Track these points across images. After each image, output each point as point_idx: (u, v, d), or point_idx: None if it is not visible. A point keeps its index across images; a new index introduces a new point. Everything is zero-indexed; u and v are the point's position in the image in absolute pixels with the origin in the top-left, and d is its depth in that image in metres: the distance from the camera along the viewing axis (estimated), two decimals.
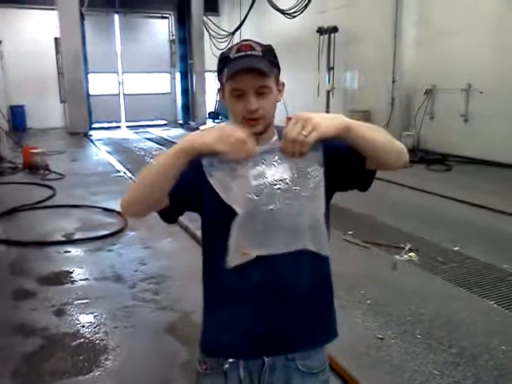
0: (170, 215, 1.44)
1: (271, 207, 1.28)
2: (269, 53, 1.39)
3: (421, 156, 10.27)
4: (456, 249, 5.02)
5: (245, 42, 1.39)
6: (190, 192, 1.40)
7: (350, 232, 5.42)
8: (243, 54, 1.35)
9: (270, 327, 1.45)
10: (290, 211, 1.28)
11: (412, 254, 4.79)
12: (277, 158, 1.28)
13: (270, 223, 1.29)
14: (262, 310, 1.44)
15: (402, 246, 4.99)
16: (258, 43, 1.39)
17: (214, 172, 1.28)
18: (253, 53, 1.35)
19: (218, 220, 1.37)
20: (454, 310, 3.72)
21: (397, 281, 4.28)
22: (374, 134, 1.32)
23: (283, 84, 1.45)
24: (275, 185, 1.27)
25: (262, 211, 1.28)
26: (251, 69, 1.32)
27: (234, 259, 1.32)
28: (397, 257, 4.75)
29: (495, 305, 3.81)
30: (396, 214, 6.22)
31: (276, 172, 1.28)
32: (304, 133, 1.19)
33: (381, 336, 3.35)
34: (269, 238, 1.31)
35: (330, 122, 1.24)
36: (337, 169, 1.39)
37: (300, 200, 1.28)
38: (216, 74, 1.45)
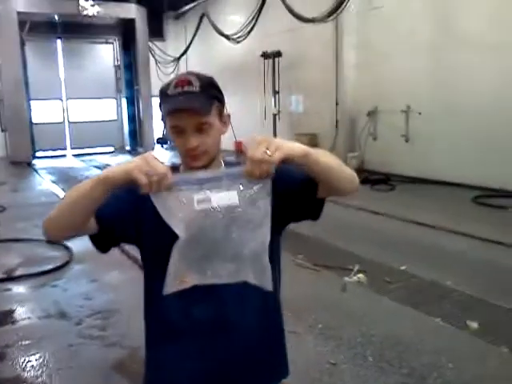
0: (102, 242, 1.40)
1: (213, 234, 1.24)
2: (208, 87, 1.37)
3: (365, 176, 10.54)
4: (402, 268, 5.14)
5: (182, 77, 1.37)
6: (125, 216, 1.37)
7: (300, 255, 5.45)
8: (180, 90, 1.33)
9: (214, 367, 1.42)
10: (233, 240, 1.25)
11: (361, 275, 4.86)
12: (225, 184, 1.25)
13: (212, 251, 1.25)
14: (206, 347, 1.40)
15: (351, 267, 5.06)
16: (197, 76, 1.36)
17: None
18: (190, 89, 1.33)
19: (158, 243, 1.32)
20: (403, 330, 3.79)
21: (347, 303, 4.33)
22: (328, 161, 1.33)
23: (228, 115, 1.45)
24: (220, 211, 1.24)
25: (204, 237, 1.24)
26: (187, 108, 1.30)
27: (171, 286, 1.26)
28: (346, 279, 4.81)
29: (441, 322, 3.91)
30: (344, 235, 6.33)
31: (222, 199, 1.24)
32: (269, 152, 1.18)
33: (333, 361, 3.36)
34: (209, 267, 1.26)
35: (290, 144, 1.23)
36: (288, 201, 1.39)
37: (244, 230, 1.25)
38: (158, 108, 1.44)
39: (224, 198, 1.24)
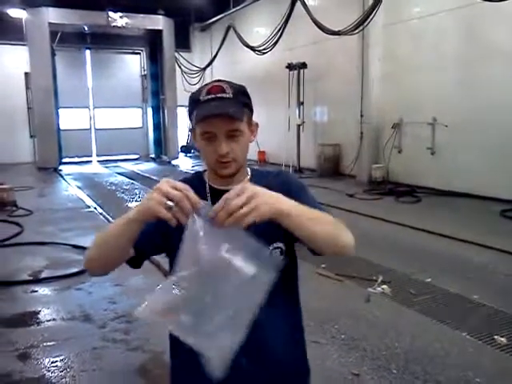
0: (135, 261, 1.42)
1: (221, 288, 1.12)
2: (240, 94, 1.36)
3: (390, 188, 10.46)
4: (427, 280, 5.06)
5: (215, 83, 1.36)
6: (156, 234, 1.38)
7: (323, 265, 5.42)
8: (213, 96, 1.32)
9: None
10: (229, 304, 1.12)
11: (385, 286, 4.80)
12: (245, 250, 1.12)
13: (208, 302, 1.12)
14: (237, 360, 1.38)
15: (375, 278, 5.00)
16: (229, 83, 1.36)
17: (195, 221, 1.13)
18: (223, 95, 1.32)
19: None
20: (428, 343, 3.72)
21: (370, 314, 4.27)
22: (315, 227, 1.24)
23: (256, 124, 1.45)
24: (236, 270, 1.11)
25: (211, 284, 1.13)
26: (221, 114, 1.30)
27: (144, 311, 1.13)
28: (370, 289, 4.75)
29: (468, 336, 3.83)
30: (368, 246, 6.26)
31: (240, 259, 1.12)
32: (243, 210, 1.09)
33: (356, 372, 3.31)
34: (195, 318, 1.13)
35: (272, 201, 1.15)
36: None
37: (241, 300, 1.12)
38: (187, 115, 1.44)
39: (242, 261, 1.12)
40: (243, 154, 1.39)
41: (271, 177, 1.49)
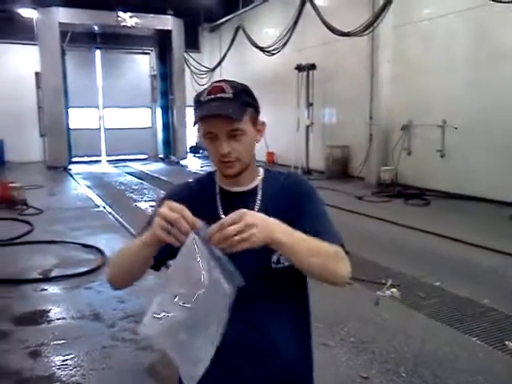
0: (154, 266, 1.44)
1: (211, 305, 1.14)
2: (242, 94, 1.36)
3: (399, 190, 10.42)
4: (437, 284, 5.04)
5: (216, 84, 1.36)
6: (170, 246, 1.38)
7: None
8: (213, 96, 1.33)
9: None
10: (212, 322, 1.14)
11: (393, 289, 4.78)
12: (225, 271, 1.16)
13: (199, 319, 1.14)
14: (241, 364, 1.38)
15: (384, 281, 4.99)
16: (231, 83, 1.36)
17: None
18: (223, 95, 1.32)
19: None
20: (438, 347, 3.70)
21: (379, 317, 4.26)
22: (310, 259, 1.25)
23: (263, 123, 1.44)
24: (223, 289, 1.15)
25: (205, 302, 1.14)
26: (218, 115, 1.30)
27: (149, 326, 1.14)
28: (379, 293, 4.74)
29: (478, 341, 3.81)
30: (377, 249, 6.25)
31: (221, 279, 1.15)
32: (237, 238, 1.11)
33: (365, 375, 3.31)
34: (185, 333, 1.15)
35: (265, 234, 1.16)
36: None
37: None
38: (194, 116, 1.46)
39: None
40: (247, 153, 1.38)
41: (283, 178, 1.49)
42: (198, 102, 1.35)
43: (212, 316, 1.12)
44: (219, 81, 1.38)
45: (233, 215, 1.14)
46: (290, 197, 1.43)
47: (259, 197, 1.43)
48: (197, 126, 1.39)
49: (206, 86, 1.42)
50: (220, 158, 1.35)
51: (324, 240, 1.32)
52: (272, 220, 1.20)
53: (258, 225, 1.14)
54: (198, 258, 1.12)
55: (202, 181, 1.53)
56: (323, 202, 1.47)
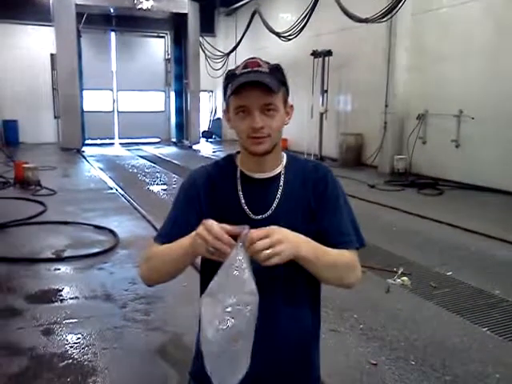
0: None
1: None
2: (277, 71, 1.36)
3: (412, 180, 10.34)
4: (449, 273, 5.01)
5: (252, 60, 1.35)
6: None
7: None
8: (249, 70, 1.32)
9: (260, 368, 1.36)
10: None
11: (405, 278, 4.77)
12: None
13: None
14: (255, 348, 1.37)
15: (395, 269, 4.97)
16: (265, 61, 1.36)
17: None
18: (260, 69, 1.32)
19: None
20: (448, 336, 3.69)
21: (390, 305, 4.25)
22: (328, 271, 1.34)
23: (292, 106, 1.42)
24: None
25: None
26: (257, 83, 1.28)
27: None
28: (390, 281, 4.73)
29: (488, 331, 3.79)
30: (389, 238, 6.23)
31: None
32: (267, 252, 1.15)
33: (374, 362, 3.31)
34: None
35: (293, 250, 1.21)
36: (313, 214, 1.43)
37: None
38: (222, 92, 1.43)
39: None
40: (278, 131, 1.36)
41: (309, 168, 1.46)
42: (233, 76, 1.33)
43: (252, 324, 1.15)
44: (253, 57, 1.37)
45: (260, 231, 1.18)
46: (313, 185, 1.41)
47: (281, 185, 1.40)
48: (224, 106, 1.37)
49: (240, 65, 1.39)
50: (251, 133, 1.32)
51: (340, 241, 1.38)
52: (296, 235, 1.25)
53: (285, 240, 1.19)
54: (246, 269, 1.14)
55: (221, 164, 1.49)
56: (347, 199, 1.46)
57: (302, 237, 1.26)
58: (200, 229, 1.19)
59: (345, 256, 1.36)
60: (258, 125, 1.31)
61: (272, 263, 1.17)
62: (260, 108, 1.31)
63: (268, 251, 1.15)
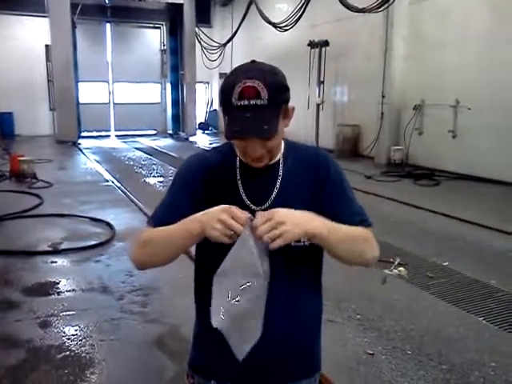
0: None
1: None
2: (278, 94, 1.25)
3: (409, 171, 10.35)
4: (445, 264, 5.03)
5: (250, 83, 1.21)
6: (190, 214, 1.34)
7: None
8: (246, 103, 1.21)
9: (255, 358, 1.35)
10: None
11: (401, 268, 4.79)
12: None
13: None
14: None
15: (392, 260, 4.98)
16: (264, 81, 1.22)
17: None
18: (257, 102, 1.21)
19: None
20: (444, 326, 3.71)
21: (387, 296, 4.27)
22: (343, 246, 1.31)
23: (293, 109, 1.36)
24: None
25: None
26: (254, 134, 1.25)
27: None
28: (386, 271, 4.74)
29: (484, 321, 3.81)
30: (386, 228, 6.22)
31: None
32: (270, 235, 1.16)
33: (371, 352, 3.33)
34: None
35: (298, 229, 1.19)
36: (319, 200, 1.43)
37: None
38: (218, 102, 1.41)
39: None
40: (278, 145, 1.36)
41: (308, 155, 1.45)
42: (229, 104, 1.23)
43: (263, 300, 1.20)
44: (252, 76, 1.22)
45: (262, 216, 1.18)
46: (314, 172, 1.40)
47: (280, 172, 1.39)
48: (221, 111, 1.34)
49: (233, 74, 1.27)
50: (249, 155, 1.32)
51: (355, 222, 1.37)
52: (300, 213, 1.23)
53: (288, 221, 1.17)
54: (254, 252, 1.18)
55: (220, 152, 1.46)
56: (349, 184, 1.46)
57: (306, 214, 1.24)
58: (221, 213, 1.19)
59: (360, 230, 1.36)
60: (258, 155, 1.31)
61: (276, 245, 1.17)
62: (259, 142, 1.29)
63: (269, 234, 1.16)
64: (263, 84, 1.22)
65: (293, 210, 1.22)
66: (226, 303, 1.18)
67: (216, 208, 1.21)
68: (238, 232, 1.17)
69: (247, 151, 1.32)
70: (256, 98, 1.21)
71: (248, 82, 1.22)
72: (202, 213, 1.24)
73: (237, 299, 1.17)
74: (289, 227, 1.17)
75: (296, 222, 1.19)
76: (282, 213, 1.19)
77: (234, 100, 1.22)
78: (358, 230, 1.35)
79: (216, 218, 1.18)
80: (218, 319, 1.19)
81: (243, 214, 1.19)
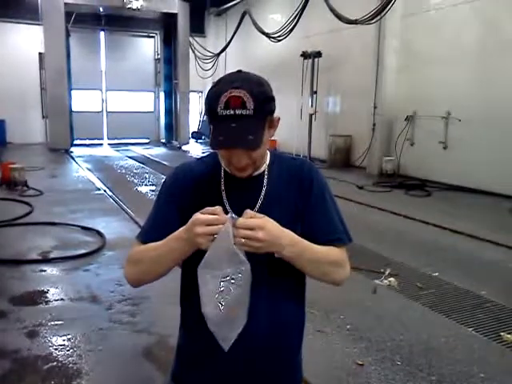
0: None
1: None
2: (263, 104, 1.25)
3: (400, 181, 10.40)
4: (435, 274, 5.04)
5: (236, 93, 1.21)
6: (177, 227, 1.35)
7: None
8: (232, 113, 1.21)
9: (237, 369, 1.36)
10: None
11: (392, 279, 4.79)
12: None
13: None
14: (233, 352, 1.30)
15: (382, 270, 4.99)
16: (251, 91, 1.22)
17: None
18: (243, 112, 1.21)
19: None
20: (434, 337, 3.71)
21: (376, 306, 4.27)
22: (311, 266, 1.34)
23: (278, 119, 1.36)
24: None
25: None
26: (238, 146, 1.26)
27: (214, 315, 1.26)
28: (377, 281, 4.75)
29: (473, 332, 3.82)
30: (375, 239, 6.24)
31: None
32: (243, 241, 1.19)
33: (361, 362, 3.32)
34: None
35: (271, 249, 1.24)
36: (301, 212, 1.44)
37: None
38: (204, 109, 1.38)
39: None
40: (262, 156, 1.36)
41: (293, 166, 1.45)
42: (214, 114, 1.23)
43: (248, 287, 1.23)
44: (238, 86, 1.22)
45: (251, 221, 1.20)
46: (298, 184, 1.40)
47: (265, 183, 1.39)
48: (206, 118, 1.34)
49: (219, 84, 1.27)
50: (234, 165, 1.32)
51: (330, 239, 1.38)
52: (286, 237, 1.26)
53: (267, 241, 1.20)
54: (233, 243, 1.21)
55: (205, 162, 1.46)
56: (332, 195, 1.46)
57: (285, 236, 1.26)
58: (197, 230, 1.20)
59: (333, 253, 1.37)
60: (242, 165, 1.31)
61: (245, 250, 1.20)
62: (244, 152, 1.29)
63: (242, 241, 1.19)
64: (249, 94, 1.22)
65: (277, 226, 1.24)
66: (215, 292, 1.21)
67: (188, 224, 1.23)
68: (217, 232, 1.20)
69: (232, 161, 1.32)
70: (242, 107, 1.21)
71: (234, 91, 1.22)
72: (183, 229, 1.26)
73: (226, 288, 1.20)
74: (262, 245, 1.21)
75: (271, 244, 1.22)
76: (265, 232, 1.20)
77: (220, 109, 1.22)
78: (331, 254, 1.37)
79: (193, 234, 1.21)
80: (208, 309, 1.22)
81: (212, 217, 1.20)
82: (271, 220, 1.24)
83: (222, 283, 1.21)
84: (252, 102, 1.22)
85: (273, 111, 1.32)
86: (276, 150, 1.51)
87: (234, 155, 1.30)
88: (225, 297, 1.21)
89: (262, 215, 1.24)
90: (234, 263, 1.20)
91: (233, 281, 1.21)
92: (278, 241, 1.23)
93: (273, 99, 1.31)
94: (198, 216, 1.21)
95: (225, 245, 1.20)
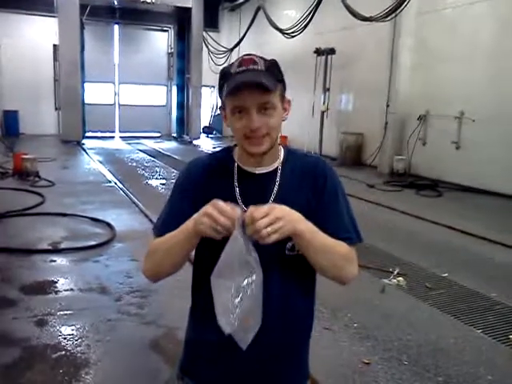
0: None
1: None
2: (273, 67, 1.33)
3: (411, 181, 10.33)
4: (444, 275, 5.01)
5: (247, 56, 1.33)
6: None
7: None
8: (244, 68, 1.29)
9: (246, 366, 1.37)
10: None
11: (400, 278, 4.77)
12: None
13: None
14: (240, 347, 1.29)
15: (391, 270, 4.97)
16: (261, 57, 1.33)
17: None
18: (255, 67, 1.30)
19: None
20: (441, 338, 3.69)
21: (384, 305, 4.25)
22: (323, 255, 1.32)
23: (289, 102, 1.40)
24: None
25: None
26: (253, 84, 1.26)
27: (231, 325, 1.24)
28: (385, 281, 4.73)
29: (482, 334, 3.79)
30: (385, 238, 6.22)
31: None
32: (269, 229, 1.17)
33: (367, 361, 3.31)
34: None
35: (290, 225, 1.22)
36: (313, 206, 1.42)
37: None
38: (217, 91, 1.41)
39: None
40: (276, 129, 1.35)
41: (307, 163, 1.44)
42: (228, 75, 1.31)
43: (261, 291, 1.21)
44: (249, 54, 1.35)
45: (261, 209, 1.18)
46: (312, 180, 1.40)
47: (277, 180, 1.39)
48: (219, 103, 1.35)
49: (230, 62, 1.38)
50: (248, 134, 1.31)
51: (341, 238, 1.36)
52: (293, 212, 1.25)
53: (285, 217, 1.20)
54: (246, 248, 1.19)
55: (219, 157, 1.47)
56: (345, 194, 1.45)
57: (298, 214, 1.26)
58: (208, 207, 1.21)
59: (343, 247, 1.36)
60: (256, 125, 1.29)
61: (271, 240, 1.18)
62: (257, 108, 1.29)
63: (268, 229, 1.17)
64: (260, 57, 1.33)
65: (286, 207, 1.23)
66: (229, 303, 1.20)
67: (201, 211, 1.23)
68: (224, 225, 1.18)
69: (248, 123, 1.30)
70: (253, 64, 1.31)
71: (246, 56, 1.34)
72: (191, 219, 1.27)
73: (240, 298, 1.20)
74: (284, 223, 1.19)
75: (289, 219, 1.21)
76: (278, 209, 1.20)
77: (233, 70, 1.31)
78: (340, 246, 1.35)
79: (203, 212, 1.21)
80: (224, 320, 1.21)
81: (231, 209, 1.19)
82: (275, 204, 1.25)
83: (234, 295, 1.20)
84: (263, 62, 1.32)
85: (283, 81, 1.37)
86: (289, 147, 1.49)
87: (250, 113, 1.29)
88: (238, 309, 1.19)
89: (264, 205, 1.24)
90: (246, 271, 1.19)
91: (245, 292, 1.19)
92: (293, 214, 1.24)
93: (282, 73, 1.37)
94: (217, 200, 1.21)
95: (236, 251, 1.18)
